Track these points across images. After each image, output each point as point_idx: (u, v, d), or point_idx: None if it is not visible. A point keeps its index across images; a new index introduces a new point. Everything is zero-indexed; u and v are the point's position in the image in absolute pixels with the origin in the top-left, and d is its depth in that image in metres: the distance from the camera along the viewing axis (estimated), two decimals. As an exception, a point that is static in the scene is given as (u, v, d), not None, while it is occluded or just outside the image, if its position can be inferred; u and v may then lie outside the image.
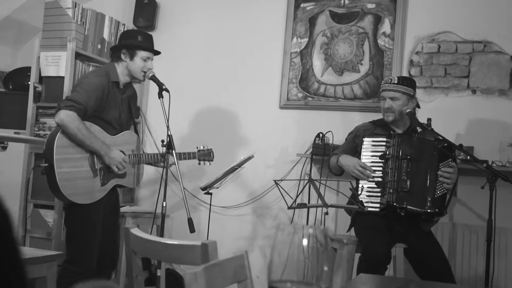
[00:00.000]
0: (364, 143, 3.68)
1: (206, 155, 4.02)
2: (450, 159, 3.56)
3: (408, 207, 3.52)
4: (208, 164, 4.06)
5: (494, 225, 3.41)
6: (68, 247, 3.48)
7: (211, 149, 4.06)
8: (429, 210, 3.52)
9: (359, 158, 3.66)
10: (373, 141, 3.67)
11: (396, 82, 3.73)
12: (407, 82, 3.76)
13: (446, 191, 3.55)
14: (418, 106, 3.88)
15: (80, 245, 3.43)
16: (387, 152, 3.61)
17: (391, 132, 3.70)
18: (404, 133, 3.68)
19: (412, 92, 3.75)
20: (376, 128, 3.84)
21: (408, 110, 3.68)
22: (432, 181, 3.53)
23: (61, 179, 3.31)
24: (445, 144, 3.59)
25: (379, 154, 3.62)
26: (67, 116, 3.29)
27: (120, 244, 4.09)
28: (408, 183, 3.55)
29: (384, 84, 3.82)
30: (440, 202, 3.54)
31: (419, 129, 3.70)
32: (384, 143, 3.63)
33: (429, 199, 3.52)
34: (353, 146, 3.85)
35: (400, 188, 3.55)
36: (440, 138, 3.62)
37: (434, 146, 3.55)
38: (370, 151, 3.66)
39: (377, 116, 4.21)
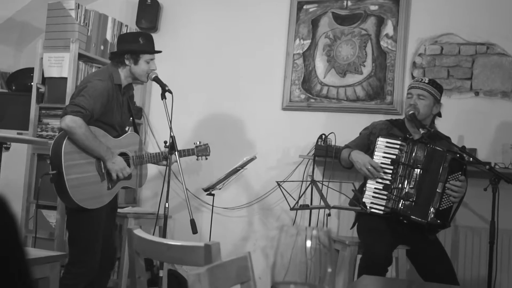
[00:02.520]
0: (378, 142, 3.63)
1: (203, 151, 4.04)
2: (460, 172, 3.52)
3: (412, 217, 3.50)
4: (205, 159, 4.07)
5: (497, 227, 3.40)
6: (71, 248, 3.47)
7: (207, 144, 4.07)
8: (431, 222, 3.49)
9: (371, 156, 3.62)
10: (387, 142, 3.62)
11: (426, 82, 3.73)
12: (437, 85, 3.75)
13: (451, 204, 3.52)
14: (440, 115, 3.85)
15: (83, 246, 3.43)
16: (399, 156, 3.57)
17: (407, 136, 3.66)
18: (419, 140, 3.62)
19: (439, 96, 3.73)
20: (392, 128, 3.80)
21: (410, 112, 3.66)
22: (439, 193, 3.49)
23: (71, 186, 3.31)
24: (457, 155, 3.55)
25: (391, 156, 3.58)
26: (73, 122, 3.28)
27: (118, 244, 4.08)
28: (415, 193, 3.53)
29: (414, 82, 3.82)
30: (445, 214, 3.50)
31: (421, 131, 3.67)
32: (398, 146, 3.59)
33: (433, 211, 3.48)
34: (367, 143, 3.81)
35: (406, 197, 3.53)
36: (452, 148, 3.59)
37: (445, 157, 3.51)
38: (382, 152, 3.61)
39: (380, 117, 4.21)
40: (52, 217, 4.36)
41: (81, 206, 3.35)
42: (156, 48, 3.74)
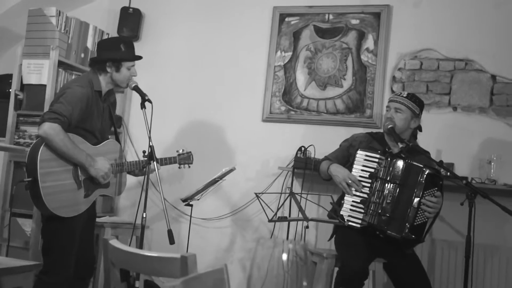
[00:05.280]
0: (357, 155, 3.64)
1: (186, 159, 4.01)
2: (436, 188, 3.53)
3: (388, 231, 3.51)
4: (188, 167, 4.04)
5: (472, 241, 3.42)
6: (44, 257, 3.42)
7: (190, 152, 4.04)
8: (406, 237, 3.50)
9: (350, 169, 3.63)
10: (366, 155, 3.63)
11: (405, 96, 3.75)
12: (415, 99, 3.75)
13: (426, 219, 3.52)
14: (420, 129, 3.88)
15: (57, 256, 3.38)
16: (378, 170, 3.58)
17: (386, 149, 3.68)
18: (397, 155, 3.62)
19: (417, 110, 3.72)
20: (372, 141, 3.81)
21: (389, 126, 3.68)
22: (414, 208, 3.49)
23: (46, 194, 3.26)
24: (434, 171, 3.56)
25: (370, 170, 3.59)
26: (51, 129, 3.25)
27: (97, 254, 4.03)
28: (392, 207, 3.53)
29: (393, 95, 3.85)
30: (419, 229, 3.50)
31: (400, 145, 3.69)
32: (377, 160, 3.59)
33: (408, 225, 3.48)
34: (346, 155, 3.82)
35: (383, 211, 3.53)
36: (431, 163, 3.61)
37: (422, 173, 3.51)
38: (361, 165, 3.62)
39: (359, 131, 4.23)
40: (28, 225, 4.31)
41: (56, 214, 3.32)
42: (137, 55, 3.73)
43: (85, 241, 3.58)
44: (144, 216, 3.49)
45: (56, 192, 3.32)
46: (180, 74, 5.29)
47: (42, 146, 3.29)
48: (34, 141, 3.46)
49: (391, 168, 3.57)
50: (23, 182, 3.34)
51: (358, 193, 3.59)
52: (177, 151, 4.01)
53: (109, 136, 3.91)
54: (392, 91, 4.61)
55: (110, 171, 3.55)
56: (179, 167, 4.02)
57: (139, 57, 3.72)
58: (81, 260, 3.52)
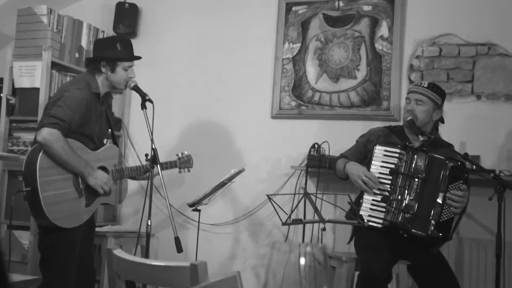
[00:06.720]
0: (376, 151, 3.61)
1: (186, 162, 4.02)
2: (461, 181, 3.50)
3: (412, 230, 3.48)
4: (187, 171, 4.05)
5: (503, 239, 3.39)
6: (43, 271, 3.41)
7: (190, 155, 4.05)
8: (432, 235, 3.47)
9: (369, 166, 3.61)
10: (385, 150, 3.59)
11: (425, 86, 3.71)
12: (437, 89, 3.72)
13: (453, 215, 3.50)
14: (442, 121, 3.84)
15: (57, 269, 3.38)
16: (399, 165, 3.54)
17: (407, 143, 3.65)
18: (419, 149, 3.60)
19: (440, 101, 3.70)
20: (391, 136, 3.78)
21: (409, 118, 3.66)
22: (439, 204, 3.47)
23: (47, 204, 3.26)
24: (458, 163, 3.53)
25: (390, 165, 3.55)
26: (50, 135, 3.25)
27: (97, 265, 4.02)
28: (416, 204, 3.50)
29: (412, 86, 3.82)
30: (446, 226, 3.48)
31: (421, 138, 3.67)
32: (397, 155, 3.56)
33: (433, 223, 3.45)
34: (364, 151, 3.79)
35: (406, 209, 3.50)
36: (454, 156, 3.58)
37: (445, 166, 3.49)
38: (380, 161, 3.58)
39: (376, 124, 4.21)
40: (25, 238, 4.31)
41: (57, 225, 3.31)
42: (135, 55, 3.72)
43: (84, 252, 3.58)
44: (149, 223, 3.49)
45: (57, 202, 3.32)
46: (182, 72, 5.28)
47: (41, 153, 3.29)
48: (31, 148, 3.45)
49: (412, 163, 3.54)
50: (21, 192, 3.33)
51: (378, 191, 3.55)
52: (176, 155, 4.02)
53: (108, 141, 3.91)
54: (410, 81, 4.58)
55: (110, 181, 3.55)
56: (179, 171, 4.03)
57: (137, 57, 3.72)
58: (81, 273, 3.52)
